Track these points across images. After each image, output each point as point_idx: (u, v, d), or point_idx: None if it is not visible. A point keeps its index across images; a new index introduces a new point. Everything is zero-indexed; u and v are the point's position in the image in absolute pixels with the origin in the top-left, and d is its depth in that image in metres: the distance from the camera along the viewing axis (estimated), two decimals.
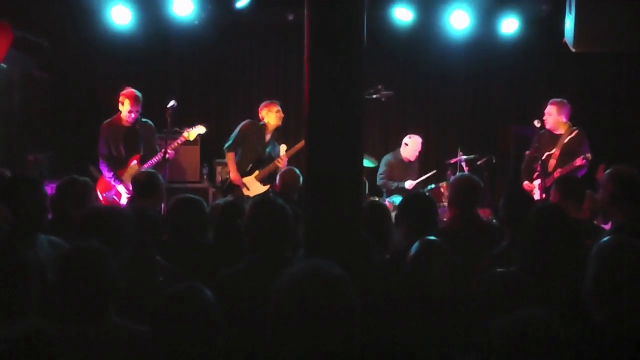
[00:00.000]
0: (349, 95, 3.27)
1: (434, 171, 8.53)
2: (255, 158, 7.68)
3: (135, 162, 7.20)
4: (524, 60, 9.68)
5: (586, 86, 9.82)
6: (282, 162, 7.62)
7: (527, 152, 7.67)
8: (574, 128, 7.43)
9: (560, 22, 7.09)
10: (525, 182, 7.46)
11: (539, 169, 7.22)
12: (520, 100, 9.85)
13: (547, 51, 9.28)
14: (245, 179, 7.63)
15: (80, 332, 2.53)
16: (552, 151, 7.29)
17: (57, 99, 8.99)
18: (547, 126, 7.39)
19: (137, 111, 7.14)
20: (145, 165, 7.08)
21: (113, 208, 4.48)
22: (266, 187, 7.59)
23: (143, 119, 7.31)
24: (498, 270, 3.42)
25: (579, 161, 7.12)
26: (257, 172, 7.65)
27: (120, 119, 7.20)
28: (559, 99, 7.49)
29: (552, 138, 7.40)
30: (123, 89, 7.21)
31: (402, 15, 8.98)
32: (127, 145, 7.22)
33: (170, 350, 2.42)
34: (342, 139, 3.24)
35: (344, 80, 3.25)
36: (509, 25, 9.10)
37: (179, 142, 7.47)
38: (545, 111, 7.41)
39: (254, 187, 7.60)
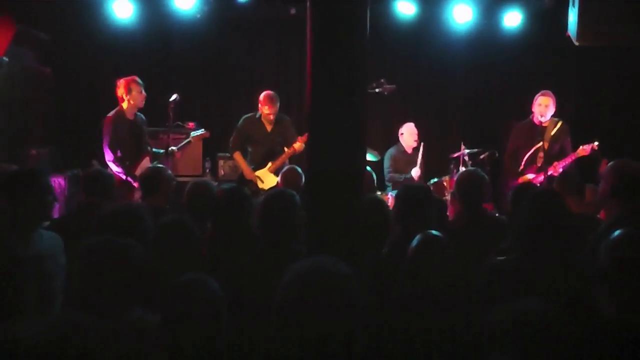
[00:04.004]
0: (352, 90, 3.26)
1: (422, 144, 8.51)
2: (265, 151, 7.71)
3: (147, 159, 7.17)
4: (527, 54, 9.63)
5: (589, 80, 9.79)
6: (286, 158, 7.62)
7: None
8: (557, 119, 7.40)
9: (564, 16, 7.06)
10: (519, 179, 7.35)
11: (523, 163, 7.20)
12: (523, 94, 9.81)
13: (550, 45, 9.25)
14: (259, 172, 7.68)
15: (107, 326, 2.51)
16: (539, 144, 7.17)
17: (58, 93, 8.97)
18: (545, 118, 7.30)
19: (143, 92, 7.10)
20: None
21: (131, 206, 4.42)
22: None
23: (137, 113, 7.27)
24: (498, 258, 3.42)
25: (584, 151, 7.07)
26: (270, 164, 7.67)
27: (123, 112, 7.11)
28: (548, 90, 7.44)
29: (536, 131, 7.32)
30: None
31: (405, 9, 8.95)
32: (133, 139, 7.15)
33: (175, 339, 2.43)
34: (344, 134, 3.23)
35: (346, 74, 3.24)
36: (512, 19, 9.07)
37: (184, 143, 7.52)
38: (544, 103, 7.33)
39: (267, 179, 7.62)
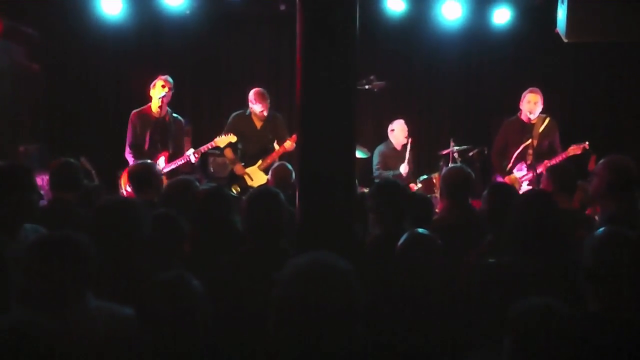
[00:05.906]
0: (342, 87, 3.26)
1: (409, 139, 8.47)
2: (255, 148, 7.67)
3: (162, 158, 7.08)
4: (516, 51, 9.66)
5: (578, 77, 9.82)
6: (276, 156, 7.57)
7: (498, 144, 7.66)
8: (545, 115, 7.42)
9: (553, 12, 7.08)
10: (507, 177, 7.38)
11: (512, 160, 7.23)
12: (513, 91, 9.83)
13: (540, 42, 9.27)
14: (249, 169, 7.65)
15: (61, 320, 2.45)
16: (528, 142, 7.20)
17: (47, 89, 8.93)
18: (533, 115, 7.32)
19: (170, 89, 7.05)
20: (172, 165, 7.05)
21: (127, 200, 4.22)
22: None
23: (174, 114, 7.26)
24: (490, 260, 3.42)
25: (575, 150, 7.07)
26: (259, 162, 7.65)
27: (150, 109, 7.13)
28: (535, 87, 7.47)
29: (524, 128, 7.34)
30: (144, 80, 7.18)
31: (394, 6, 8.95)
32: (154, 137, 7.06)
33: (154, 336, 2.42)
34: (334, 130, 3.24)
35: (336, 71, 3.24)
36: (501, 15, 9.09)
37: (208, 147, 7.40)
38: (532, 100, 7.35)
39: (257, 177, 7.61)
